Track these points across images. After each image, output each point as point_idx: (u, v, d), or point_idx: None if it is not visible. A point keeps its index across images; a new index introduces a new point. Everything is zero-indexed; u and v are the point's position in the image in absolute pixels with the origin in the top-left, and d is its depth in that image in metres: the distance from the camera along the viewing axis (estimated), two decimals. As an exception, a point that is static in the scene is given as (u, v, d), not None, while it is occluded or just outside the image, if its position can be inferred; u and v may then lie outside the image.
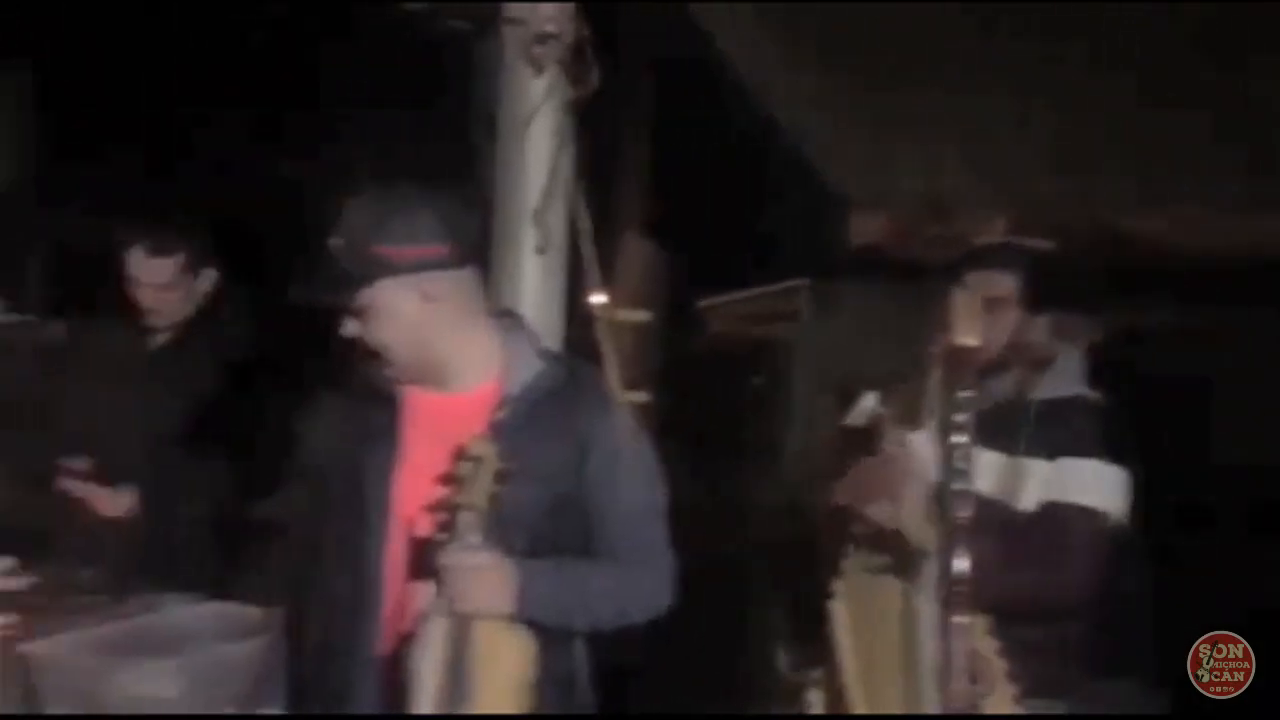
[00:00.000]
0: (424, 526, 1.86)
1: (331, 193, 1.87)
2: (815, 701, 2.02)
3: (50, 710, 2.23)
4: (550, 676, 1.88)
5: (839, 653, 2.04)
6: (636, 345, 5.05)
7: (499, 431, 1.86)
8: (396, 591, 1.89)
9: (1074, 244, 3.66)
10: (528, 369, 1.93)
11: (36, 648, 2.28)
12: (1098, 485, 2.13)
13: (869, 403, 2.34)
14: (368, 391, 1.94)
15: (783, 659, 2.93)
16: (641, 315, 5.14)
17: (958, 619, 1.64)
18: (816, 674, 2.03)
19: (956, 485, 1.72)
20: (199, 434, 2.95)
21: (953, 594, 1.66)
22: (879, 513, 2.02)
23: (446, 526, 1.83)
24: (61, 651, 2.30)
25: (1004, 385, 2.23)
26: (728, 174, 4.14)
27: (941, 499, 1.74)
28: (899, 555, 1.99)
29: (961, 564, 1.67)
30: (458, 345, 1.90)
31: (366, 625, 1.89)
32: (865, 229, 3.89)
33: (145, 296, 3.02)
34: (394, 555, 1.89)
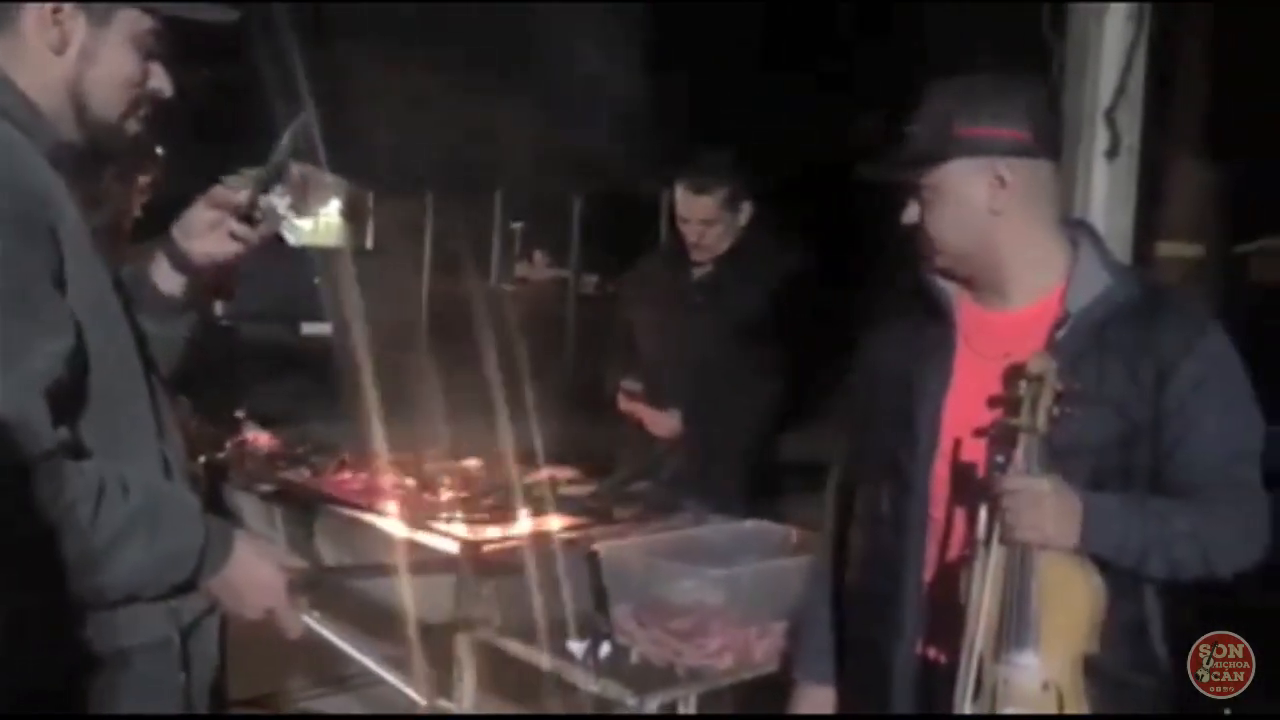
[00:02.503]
0: (975, 449, 1.77)
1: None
2: None
3: (614, 602, 2.42)
4: (1118, 623, 1.72)
5: None
6: (1183, 283, 4.54)
7: (1060, 351, 1.71)
8: (942, 515, 1.82)
9: None
10: (1095, 283, 1.76)
11: (605, 548, 2.49)
12: None
13: None
14: (922, 307, 1.87)
15: None
16: (1191, 250, 4.65)
17: None
18: None
19: None
20: (740, 363, 3.07)
21: None
22: None
23: (1002, 450, 1.72)
24: (625, 553, 2.49)
25: None
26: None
27: None
28: None
29: None
30: (1020, 247, 1.78)
31: (911, 545, 1.83)
32: None
33: (690, 232, 3.19)
34: (940, 476, 1.82)
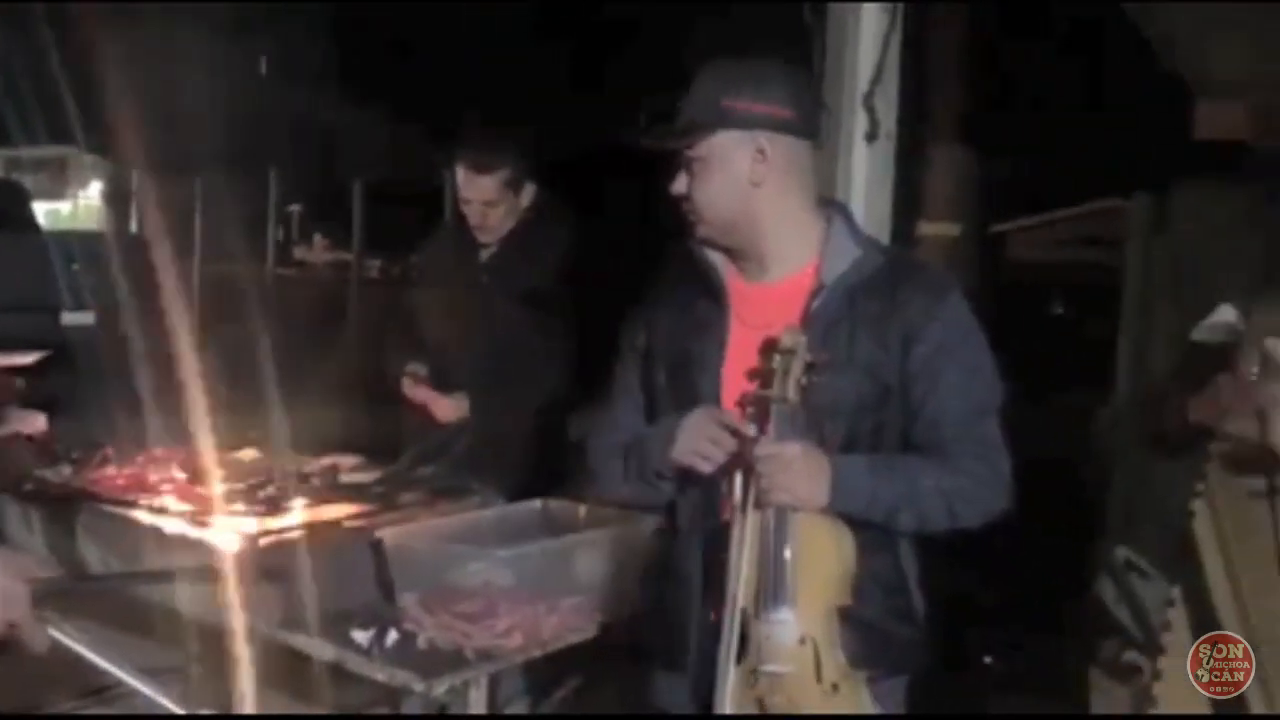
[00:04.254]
0: (738, 419, 1.83)
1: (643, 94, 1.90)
2: (1176, 620, 1.85)
3: (401, 589, 2.39)
4: (874, 577, 1.82)
5: (1205, 574, 1.86)
6: (943, 261, 4.81)
7: (815, 320, 1.81)
8: (722, 483, 1.86)
9: None
10: (846, 256, 1.87)
11: (389, 535, 2.44)
12: None
13: (1224, 316, 2.10)
14: (696, 284, 1.93)
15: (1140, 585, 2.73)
16: (952, 229, 4.92)
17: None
18: (1174, 591, 1.86)
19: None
20: (527, 343, 3.07)
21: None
22: (1244, 429, 1.82)
23: (759, 419, 1.80)
24: (410, 539, 2.45)
25: None
26: (1057, 70, 3.83)
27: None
28: (1269, 473, 1.79)
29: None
30: (778, 219, 1.87)
31: (695, 515, 1.89)
32: (1218, 122, 3.49)
33: (473, 213, 3.16)
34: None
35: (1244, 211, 3.42)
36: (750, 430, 1.79)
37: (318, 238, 10.49)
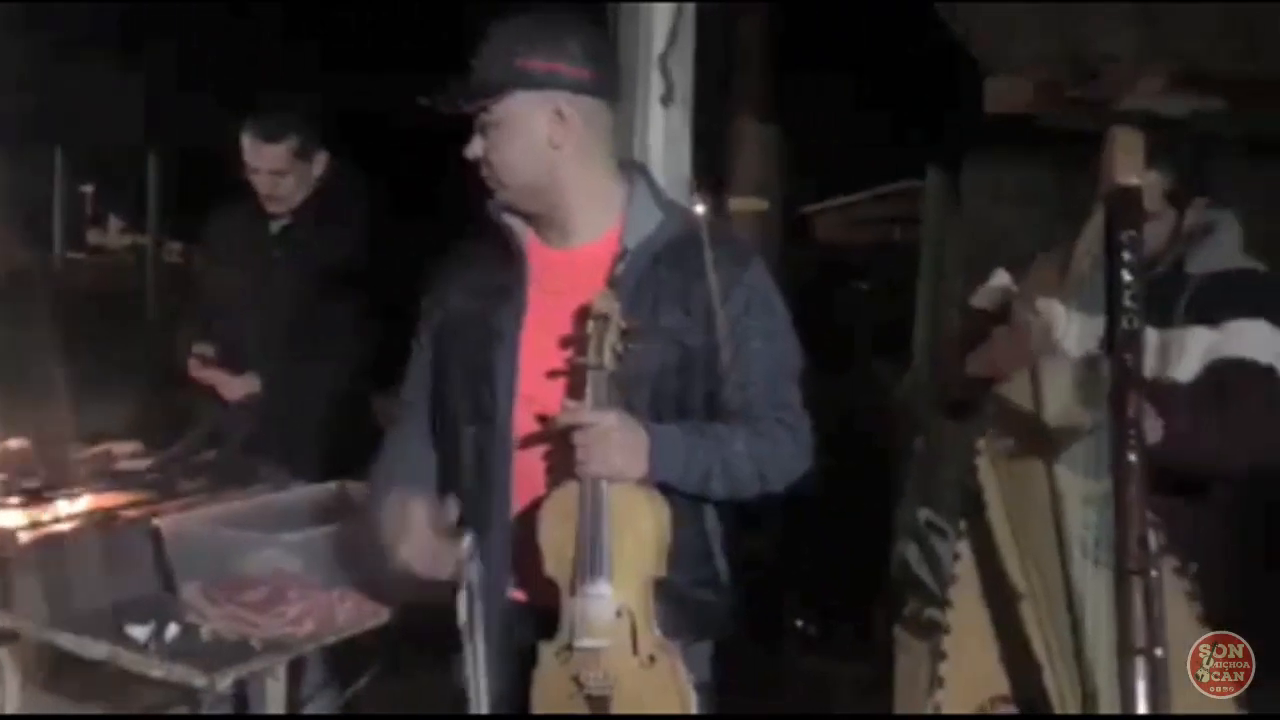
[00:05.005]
0: (551, 390, 1.78)
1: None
2: (963, 573, 1.88)
3: (182, 580, 2.25)
4: (683, 546, 1.79)
5: (989, 527, 1.90)
6: (753, 237, 4.88)
7: (619, 286, 1.76)
8: (527, 458, 1.81)
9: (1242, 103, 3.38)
10: (649, 220, 1.82)
11: (168, 522, 2.29)
12: (1265, 344, 1.94)
13: (999, 280, 2.17)
14: (491, 251, 1.86)
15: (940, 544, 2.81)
16: (759, 204, 4.97)
17: (1132, 459, 1.47)
18: (961, 546, 1.89)
19: (1126, 325, 1.55)
20: (320, 318, 2.94)
21: (1128, 435, 1.49)
22: (1018, 387, 1.87)
23: (575, 388, 1.75)
24: (191, 526, 2.31)
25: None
26: (854, 49, 3.91)
27: (1113, 341, 1.57)
28: (1037, 433, 1.84)
29: (1131, 408, 1.51)
30: (579, 183, 1.80)
31: (497, 492, 1.82)
32: (1003, 96, 3.62)
33: (262, 183, 3.00)
34: (522, 418, 1.81)
35: (1030, 181, 3.56)
36: None
37: (113, 220, 9.93)
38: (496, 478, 1.82)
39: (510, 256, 1.84)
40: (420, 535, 1.80)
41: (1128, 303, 1.57)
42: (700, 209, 1.94)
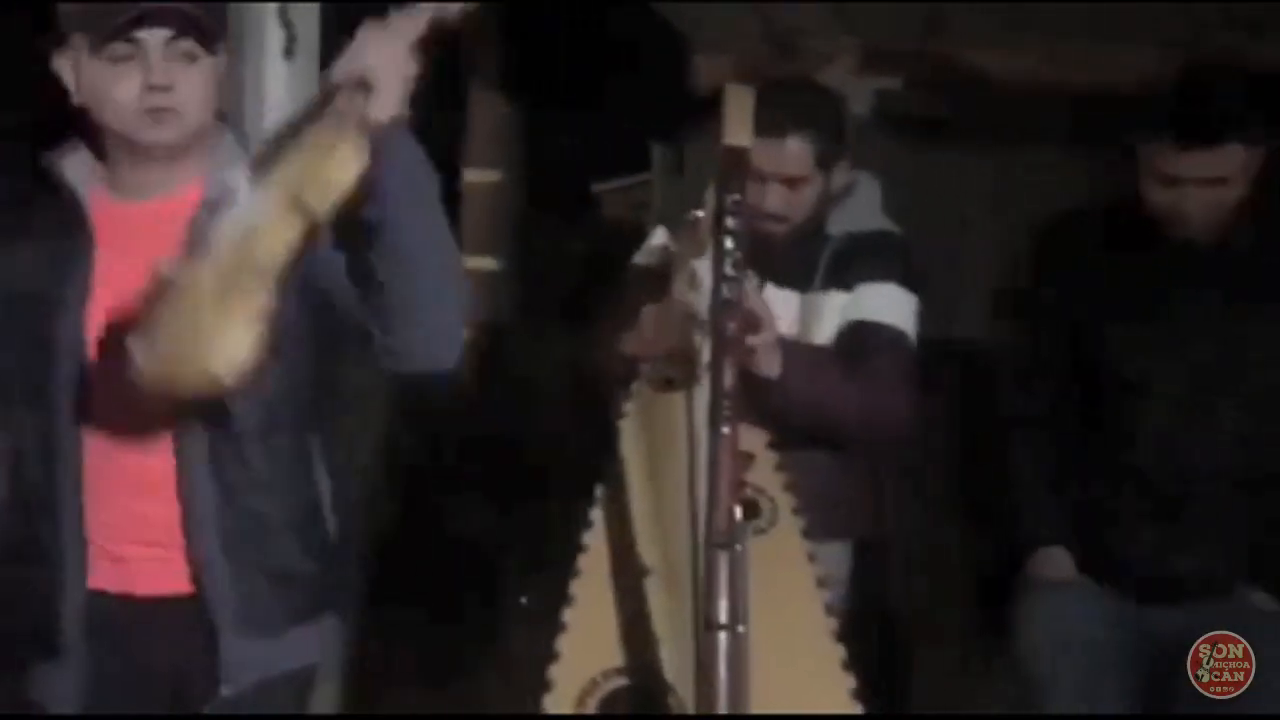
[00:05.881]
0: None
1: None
2: (596, 521, 1.85)
3: None
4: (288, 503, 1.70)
5: (627, 494, 1.88)
6: (485, 207, 4.78)
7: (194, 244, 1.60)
8: (100, 442, 1.64)
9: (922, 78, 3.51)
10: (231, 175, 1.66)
11: None
12: (896, 307, 2.01)
13: (658, 239, 2.16)
14: (51, 209, 1.66)
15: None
16: (491, 175, 4.87)
17: (724, 432, 1.45)
18: (593, 513, 1.86)
19: (726, 293, 1.53)
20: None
21: (721, 407, 1.47)
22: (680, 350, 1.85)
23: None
24: None
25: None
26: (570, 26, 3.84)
27: (712, 309, 1.55)
28: (688, 387, 1.83)
29: (727, 378, 1.49)
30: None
31: (68, 481, 1.65)
32: (712, 73, 3.64)
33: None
34: (99, 399, 1.63)
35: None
36: None
37: None
38: (67, 469, 1.64)
39: (69, 214, 1.64)
40: None
41: (729, 270, 1.54)
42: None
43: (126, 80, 1.57)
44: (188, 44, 1.58)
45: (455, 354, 1.60)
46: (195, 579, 1.64)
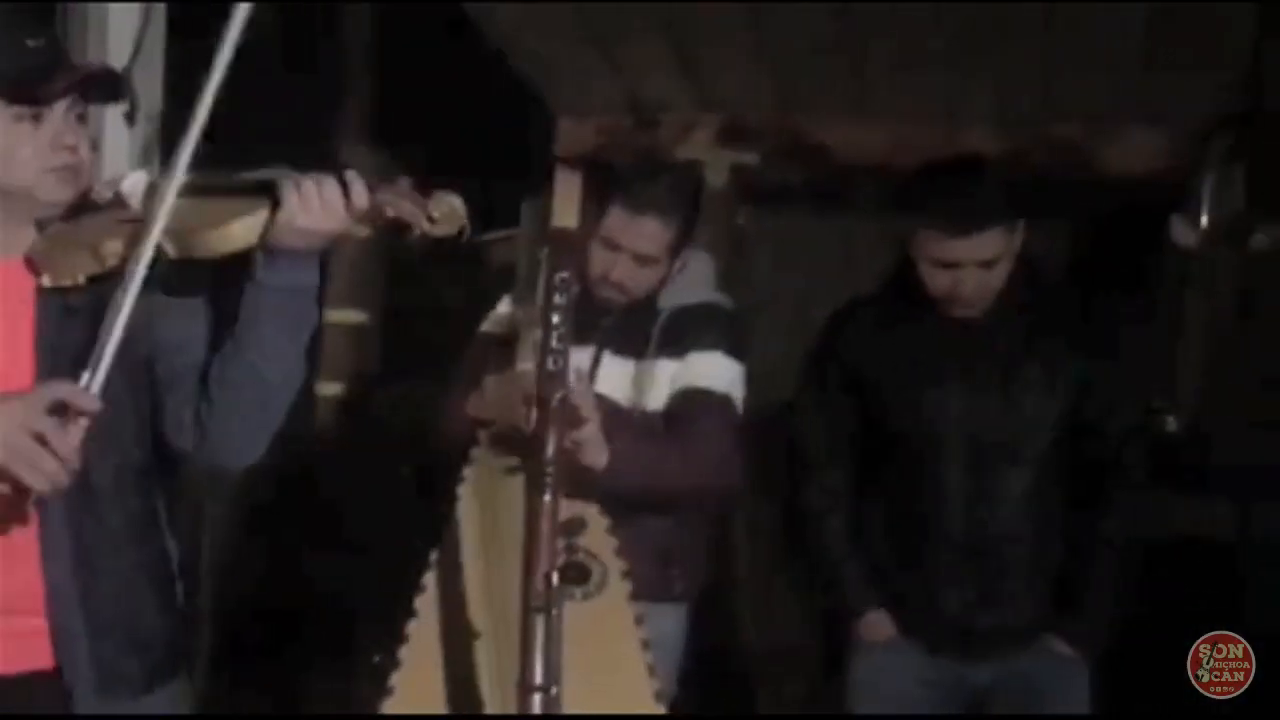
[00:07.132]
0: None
1: None
2: (429, 586, 1.89)
3: None
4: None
5: (461, 556, 1.91)
6: (352, 261, 4.74)
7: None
8: None
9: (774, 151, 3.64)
10: None
11: None
12: (722, 373, 2.08)
13: (504, 307, 2.21)
14: None
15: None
16: (360, 230, 4.84)
17: (546, 499, 1.51)
18: (426, 578, 1.89)
19: (550, 366, 1.59)
20: None
21: (544, 475, 1.53)
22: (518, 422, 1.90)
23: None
24: None
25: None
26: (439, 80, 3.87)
27: (537, 380, 1.61)
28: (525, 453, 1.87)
29: (549, 446, 1.54)
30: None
31: None
32: (574, 139, 3.72)
33: None
34: None
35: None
36: None
37: None
38: None
39: None
40: None
41: (554, 343, 1.60)
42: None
43: (33, 139, 1.57)
44: (81, 106, 1.61)
45: (252, 460, 1.69)
46: (55, 646, 1.61)
